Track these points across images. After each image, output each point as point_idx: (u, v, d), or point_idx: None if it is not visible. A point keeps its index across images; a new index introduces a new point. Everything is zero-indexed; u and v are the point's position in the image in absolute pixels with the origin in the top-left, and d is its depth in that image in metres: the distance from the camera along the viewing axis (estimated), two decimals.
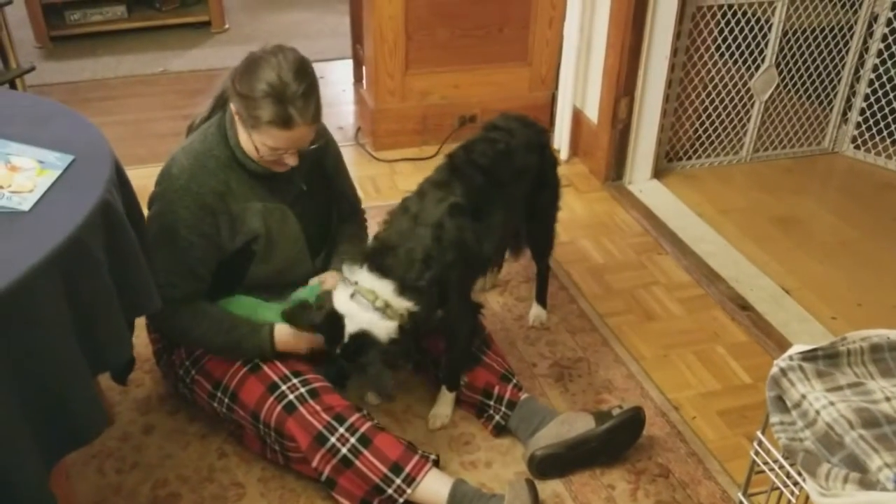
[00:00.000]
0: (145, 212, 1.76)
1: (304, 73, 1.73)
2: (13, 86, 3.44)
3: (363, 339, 1.75)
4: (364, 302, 1.75)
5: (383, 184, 3.17)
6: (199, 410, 2.03)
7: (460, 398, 2.08)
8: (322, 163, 2.02)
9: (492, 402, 2.02)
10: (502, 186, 2.02)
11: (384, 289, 1.75)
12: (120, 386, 2.03)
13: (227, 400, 1.89)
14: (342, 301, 1.77)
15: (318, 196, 2.02)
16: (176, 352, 1.97)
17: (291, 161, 1.80)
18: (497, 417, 2.02)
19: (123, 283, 1.43)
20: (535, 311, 2.45)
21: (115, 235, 1.42)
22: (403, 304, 1.76)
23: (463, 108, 3.41)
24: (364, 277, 1.77)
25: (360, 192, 2.26)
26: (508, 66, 3.40)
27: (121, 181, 1.56)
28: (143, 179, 1.91)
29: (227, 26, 4.63)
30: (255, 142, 1.76)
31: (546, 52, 3.39)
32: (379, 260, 1.79)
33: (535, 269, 2.42)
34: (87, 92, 3.92)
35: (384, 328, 1.74)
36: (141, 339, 2.06)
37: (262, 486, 1.90)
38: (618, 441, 1.96)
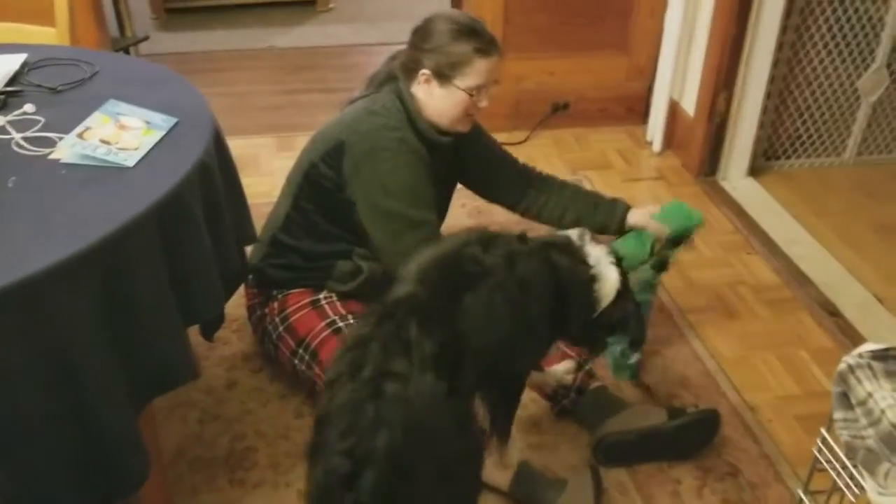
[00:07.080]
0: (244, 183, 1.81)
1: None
2: (127, 54, 3.63)
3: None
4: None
5: None
6: (281, 371, 2.11)
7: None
8: (464, 147, 2.07)
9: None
10: None
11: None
12: (207, 342, 2.13)
13: (307, 357, 1.95)
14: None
15: (449, 184, 2.15)
16: (269, 307, 2.05)
17: (484, 102, 1.89)
18: (564, 401, 2.02)
19: (216, 243, 1.51)
20: None
21: (210, 196, 1.50)
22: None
23: (557, 95, 3.40)
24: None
25: None
26: (606, 55, 3.37)
27: (218, 146, 1.64)
28: (243, 150, 2.00)
29: (331, 6, 4.73)
30: (459, 87, 1.84)
31: (646, 42, 3.34)
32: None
33: None
34: (196, 63, 4.08)
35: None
36: (231, 299, 2.15)
37: None
38: (689, 439, 1.94)
